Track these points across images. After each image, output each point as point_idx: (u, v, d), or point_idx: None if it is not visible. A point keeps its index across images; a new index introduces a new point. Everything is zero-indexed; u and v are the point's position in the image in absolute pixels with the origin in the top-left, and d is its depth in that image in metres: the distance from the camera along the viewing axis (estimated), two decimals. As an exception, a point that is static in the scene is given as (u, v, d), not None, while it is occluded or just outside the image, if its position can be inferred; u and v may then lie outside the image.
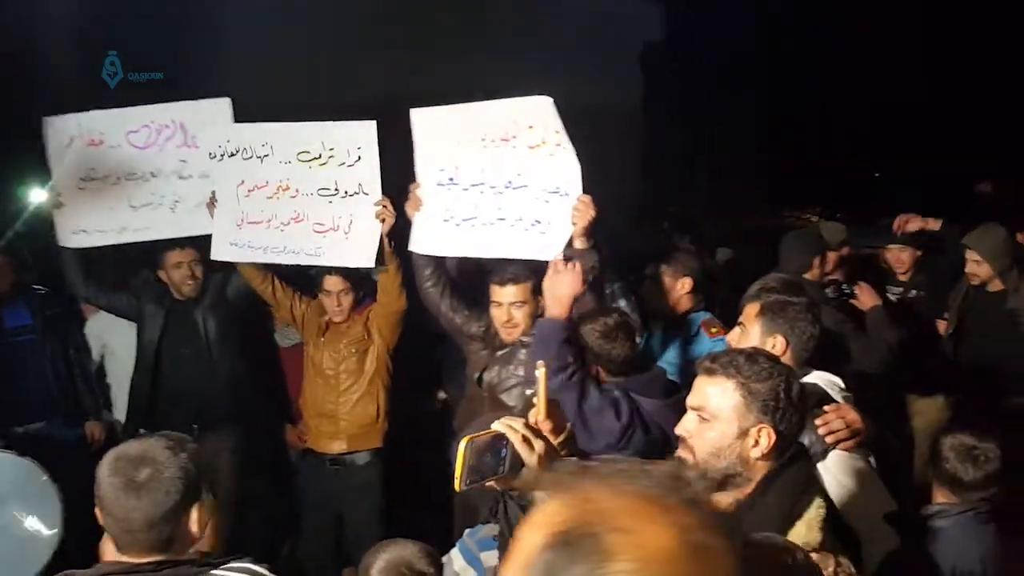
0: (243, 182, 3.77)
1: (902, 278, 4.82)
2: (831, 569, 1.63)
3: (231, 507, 3.82)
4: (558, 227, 3.09)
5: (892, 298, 4.76)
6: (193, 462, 1.80)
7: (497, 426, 1.69)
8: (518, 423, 1.71)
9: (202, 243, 3.99)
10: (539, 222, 3.15)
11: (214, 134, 3.78)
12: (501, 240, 3.25)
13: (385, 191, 3.55)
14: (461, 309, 3.51)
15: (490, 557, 2.28)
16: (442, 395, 4.41)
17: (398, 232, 3.60)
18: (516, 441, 1.66)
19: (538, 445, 1.68)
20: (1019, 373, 4.13)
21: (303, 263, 3.81)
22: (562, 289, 2.83)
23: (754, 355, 1.85)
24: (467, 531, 2.49)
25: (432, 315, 3.59)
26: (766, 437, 1.74)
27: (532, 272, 3.21)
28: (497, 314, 3.27)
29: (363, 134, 3.49)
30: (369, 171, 3.53)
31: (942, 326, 4.61)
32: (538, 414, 2.12)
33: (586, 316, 2.91)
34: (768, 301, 2.50)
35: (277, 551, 4.22)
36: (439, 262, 3.52)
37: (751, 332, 2.45)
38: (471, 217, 3.33)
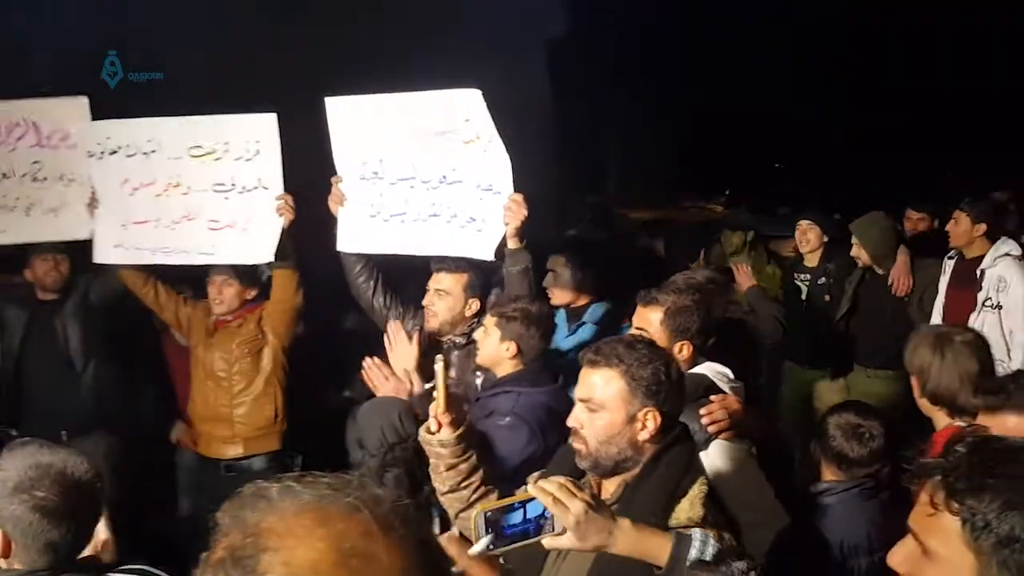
0: (127, 180, 3.61)
1: (809, 259, 4.99)
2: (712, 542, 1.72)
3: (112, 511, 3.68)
4: (493, 226, 3.04)
5: (802, 285, 4.99)
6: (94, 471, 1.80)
7: (532, 491, 1.61)
8: (552, 485, 1.60)
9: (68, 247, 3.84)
10: (474, 219, 3.09)
11: (92, 132, 3.60)
12: (435, 237, 3.18)
13: (298, 184, 3.48)
14: (395, 305, 3.44)
15: None
16: (347, 393, 4.37)
17: (305, 227, 3.53)
18: (548, 504, 1.57)
19: (574, 506, 1.57)
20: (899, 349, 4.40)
21: (196, 263, 3.68)
22: (401, 362, 2.91)
23: (632, 342, 1.92)
24: None
25: (367, 311, 3.51)
26: (652, 420, 1.82)
27: (474, 269, 3.18)
28: (424, 298, 3.26)
29: (262, 127, 3.39)
30: (269, 165, 3.43)
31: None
32: (438, 407, 2.18)
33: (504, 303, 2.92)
34: (671, 306, 2.55)
35: (182, 555, 4.09)
36: (370, 256, 3.43)
37: (653, 336, 2.48)
38: (400, 213, 3.24)
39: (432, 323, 3.21)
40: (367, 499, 0.81)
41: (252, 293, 3.87)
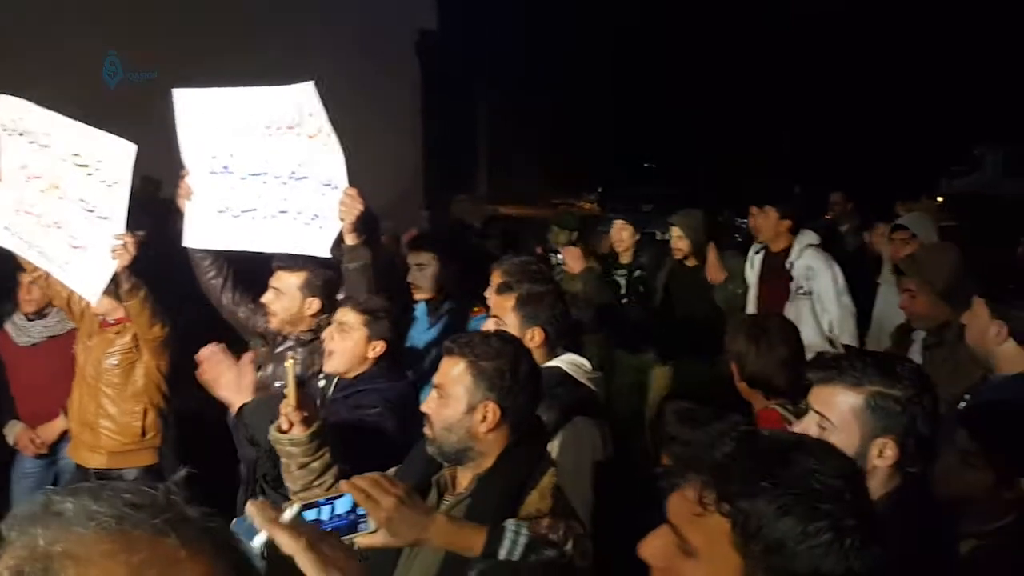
0: (25, 166, 3.36)
1: (624, 256, 5.35)
2: (561, 532, 1.77)
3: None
4: (332, 222, 3.00)
5: (619, 279, 5.31)
6: None
7: (343, 486, 1.58)
8: (364, 481, 1.57)
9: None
10: (317, 216, 3.03)
11: (6, 107, 3.35)
12: (281, 234, 3.10)
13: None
14: (245, 303, 3.33)
15: None
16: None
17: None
18: (359, 500, 1.54)
19: (385, 501, 1.55)
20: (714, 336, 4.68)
21: (51, 273, 3.43)
22: (223, 380, 2.65)
23: (488, 335, 1.97)
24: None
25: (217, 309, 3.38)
26: (492, 413, 1.85)
27: (315, 268, 3.11)
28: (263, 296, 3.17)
29: (123, 154, 3.16)
30: (119, 198, 3.19)
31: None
32: (288, 405, 2.13)
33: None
34: (523, 293, 2.61)
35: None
36: (220, 252, 3.31)
37: (508, 324, 2.55)
38: (251, 209, 3.14)
39: (272, 322, 3.15)
40: (175, 521, 0.73)
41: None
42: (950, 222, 14.35)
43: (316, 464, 2.15)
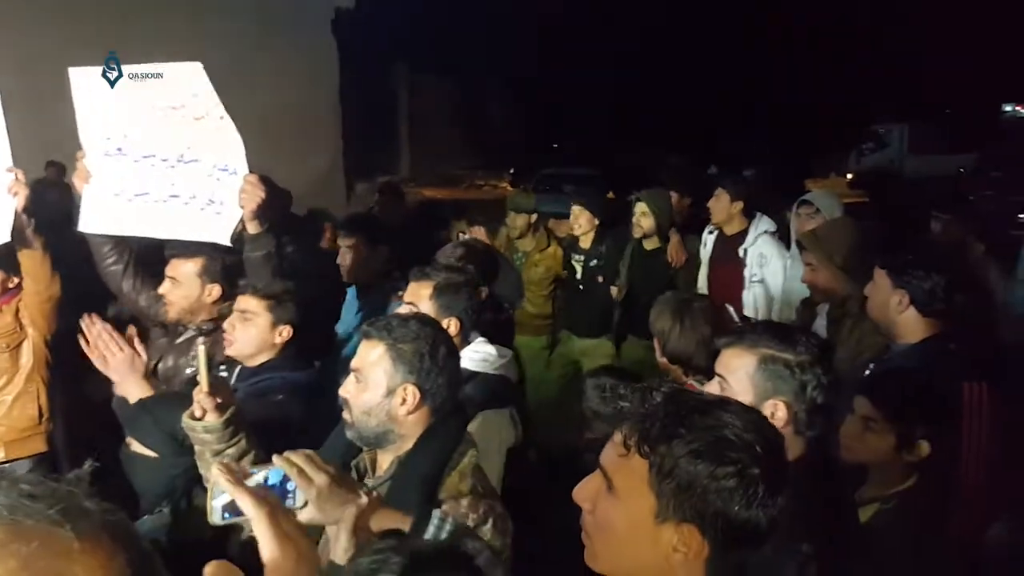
0: None
1: (582, 240, 5.25)
2: (481, 511, 1.79)
3: None
4: (231, 209, 2.90)
5: (576, 265, 5.25)
6: None
7: (276, 461, 1.54)
8: (298, 456, 1.55)
9: None
10: (213, 202, 2.93)
11: None
12: (174, 220, 2.98)
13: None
14: (146, 290, 3.22)
15: None
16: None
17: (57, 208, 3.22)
18: (292, 475, 1.51)
19: (318, 478, 1.53)
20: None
21: None
22: (113, 361, 2.49)
23: (407, 318, 1.97)
24: None
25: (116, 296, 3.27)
26: (412, 395, 1.85)
27: (212, 253, 3.03)
28: (160, 287, 3.08)
29: None
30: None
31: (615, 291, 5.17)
32: (201, 391, 2.08)
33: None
34: (440, 282, 2.60)
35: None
36: (121, 238, 3.19)
37: (423, 312, 2.53)
38: (143, 193, 3.01)
39: (170, 312, 3.06)
40: (71, 512, 0.72)
41: (14, 281, 3.41)
42: (859, 198, 14.94)
43: (232, 451, 2.11)
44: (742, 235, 4.74)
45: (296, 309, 2.72)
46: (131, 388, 2.46)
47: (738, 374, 1.87)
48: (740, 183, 4.99)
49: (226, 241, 2.93)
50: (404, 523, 1.66)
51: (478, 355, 2.59)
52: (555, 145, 25.82)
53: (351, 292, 3.91)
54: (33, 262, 3.25)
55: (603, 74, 23.78)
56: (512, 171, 23.30)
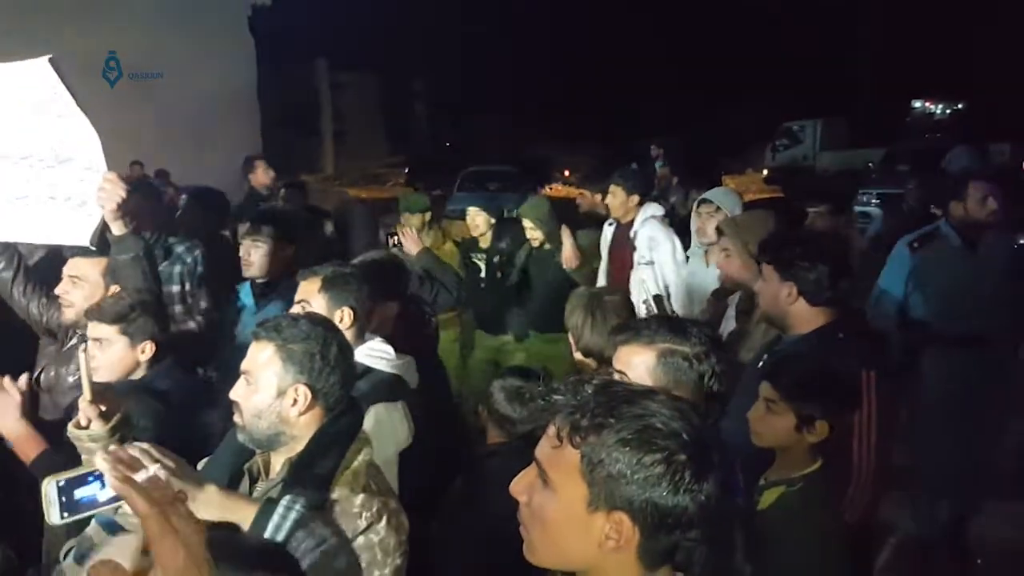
0: None
1: (482, 240, 5.32)
2: (375, 508, 1.77)
3: None
4: (95, 209, 2.73)
5: (479, 263, 5.31)
6: None
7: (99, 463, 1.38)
8: (135, 450, 1.42)
9: None
10: (85, 203, 2.76)
11: None
12: (47, 222, 2.79)
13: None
14: (37, 297, 3.09)
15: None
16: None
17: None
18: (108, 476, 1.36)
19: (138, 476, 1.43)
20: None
21: None
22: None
23: (297, 318, 1.92)
24: None
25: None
26: (303, 395, 1.82)
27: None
28: (58, 287, 2.94)
29: None
30: None
31: None
32: (84, 399, 2.00)
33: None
34: (327, 276, 2.57)
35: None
36: (10, 244, 3.06)
37: (315, 307, 2.50)
38: (23, 196, 2.82)
39: (68, 315, 2.93)
40: None
41: None
42: (774, 193, 15.36)
43: (120, 460, 2.03)
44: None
45: (155, 323, 2.61)
46: (11, 434, 2.24)
47: (638, 370, 1.90)
48: (633, 177, 5.17)
49: (86, 242, 2.75)
50: (251, 511, 1.62)
51: (375, 352, 2.56)
52: (447, 144, 25.97)
53: (245, 290, 3.80)
54: None
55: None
56: (407, 170, 23.24)
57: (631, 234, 4.88)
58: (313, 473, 1.78)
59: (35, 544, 2.31)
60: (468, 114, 26.04)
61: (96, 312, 2.60)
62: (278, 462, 1.86)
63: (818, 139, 23.32)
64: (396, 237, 4.87)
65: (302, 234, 4.11)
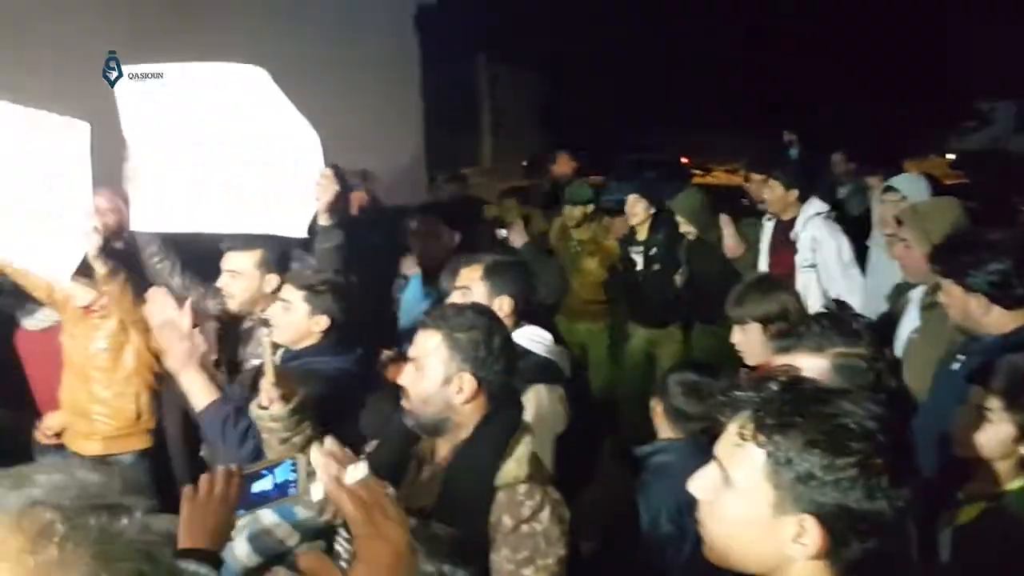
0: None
1: (639, 231, 5.22)
2: (538, 498, 1.76)
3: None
4: (301, 202, 2.97)
5: (636, 256, 5.24)
6: None
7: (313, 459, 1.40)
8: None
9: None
10: (288, 196, 2.99)
11: None
12: (243, 214, 3.01)
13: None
14: (194, 286, 3.29)
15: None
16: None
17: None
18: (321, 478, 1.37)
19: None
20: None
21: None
22: (173, 349, 2.37)
23: (464, 308, 1.97)
24: None
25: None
26: (468, 384, 1.85)
27: (268, 244, 3.07)
28: (218, 280, 3.14)
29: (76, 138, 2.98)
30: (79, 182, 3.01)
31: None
32: (267, 382, 2.12)
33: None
34: (489, 264, 2.63)
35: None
36: (165, 236, 3.26)
37: (475, 294, 2.57)
38: (200, 190, 3.04)
39: (231, 305, 3.13)
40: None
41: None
42: (961, 180, 14.17)
43: (297, 439, 2.14)
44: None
45: (334, 301, 2.74)
46: (188, 380, 2.39)
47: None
48: (791, 171, 4.88)
49: (301, 234, 3.00)
50: None
51: (534, 337, 2.59)
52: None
53: (415, 280, 3.94)
54: (115, 294, 3.32)
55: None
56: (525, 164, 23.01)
57: (791, 235, 4.56)
58: (477, 461, 1.81)
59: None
60: (623, 102, 25.66)
61: (292, 277, 2.84)
62: (443, 447, 1.90)
63: (1013, 121, 21.36)
64: (504, 230, 4.93)
65: (464, 224, 4.24)
